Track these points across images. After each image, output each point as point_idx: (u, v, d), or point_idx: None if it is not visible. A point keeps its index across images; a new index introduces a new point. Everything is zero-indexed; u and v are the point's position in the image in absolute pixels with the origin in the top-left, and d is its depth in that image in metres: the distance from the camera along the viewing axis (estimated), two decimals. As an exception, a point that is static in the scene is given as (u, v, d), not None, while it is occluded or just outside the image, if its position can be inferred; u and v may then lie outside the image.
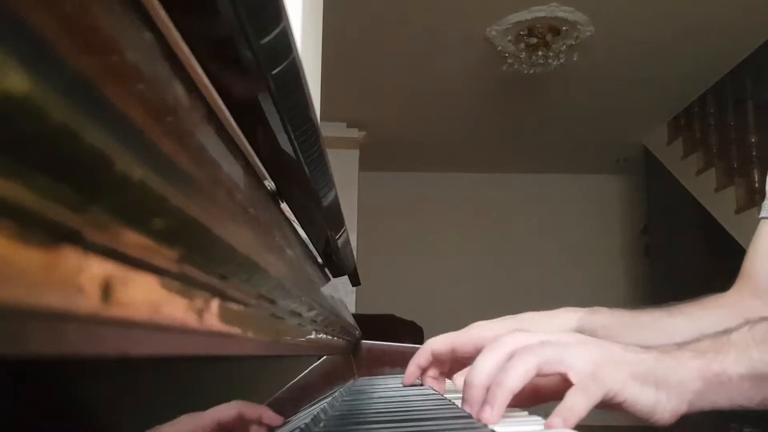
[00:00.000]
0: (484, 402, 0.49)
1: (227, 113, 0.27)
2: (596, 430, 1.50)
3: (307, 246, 0.52)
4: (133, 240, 0.16)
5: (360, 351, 1.09)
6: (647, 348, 0.54)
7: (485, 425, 0.46)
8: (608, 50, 3.58)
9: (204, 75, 0.24)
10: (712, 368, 0.52)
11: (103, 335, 0.15)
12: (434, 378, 0.71)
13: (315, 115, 0.35)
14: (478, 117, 4.53)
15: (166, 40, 0.19)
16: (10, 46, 0.10)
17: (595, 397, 0.48)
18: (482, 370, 0.51)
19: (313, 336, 0.57)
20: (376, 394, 0.75)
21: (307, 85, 0.31)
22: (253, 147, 0.32)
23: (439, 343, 0.69)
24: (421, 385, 0.73)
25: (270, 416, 0.39)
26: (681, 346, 0.54)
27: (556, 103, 4.30)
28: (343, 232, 0.62)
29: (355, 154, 4.61)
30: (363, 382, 0.99)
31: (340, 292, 0.92)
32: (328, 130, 4.15)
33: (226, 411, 0.29)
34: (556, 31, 3.38)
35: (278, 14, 0.24)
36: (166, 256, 0.18)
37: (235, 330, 0.28)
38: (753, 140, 3.58)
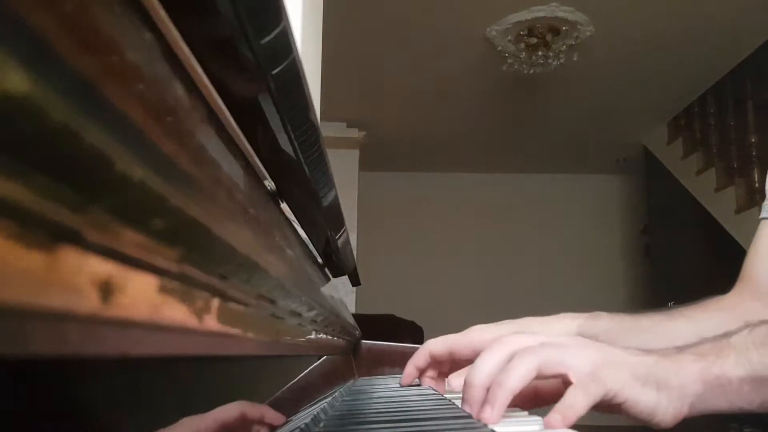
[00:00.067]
0: (485, 402, 0.49)
1: (227, 113, 0.27)
2: (596, 430, 1.50)
3: (307, 246, 0.52)
4: (133, 240, 0.16)
5: (360, 351, 1.09)
6: (648, 351, 0.54)
7: (485, 425, 0.46)
8: (608, 50, 3.58)
9: (204, 75, 0.24)
10: (712, 371, 0.52)
11: (103, 335, 0.15)
12: (432, 378, 0.71)
13: (315, 115, 0.35)
14: (478, 117, 4.53)
15: (166, 40, 0.19)
16: (10, 46, 0.10)
17: (594, 396, 0.48)
18: (483, 370, 0.51)
19: (313, 336, 0.57)
20: (376, 394, 0.75)
21: (307, 85, 0.31)
22: (253, 147, 0.32)
23: (437, 346, 0.69)
24: (420, 385, 0.73)
25: (272, 416, 0.39)
26: (681, 349, 0.54)
27: (556, 103, 4.30)
28: (343, 232, 0.62)
29: (355, 154, 4.62)
30: (363, 382, 0.99)
31: (340, 292, 0.92)
32: (328, 130, 4.15)
33: (229, 411, 0.29)
34: (556, 31, 3.38)
35: (278, 14, 0.24)
36: (166, 256, 0.18)
37: (235, 330, 0.28)
38: (753, 140, 3.58)
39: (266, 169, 0.36)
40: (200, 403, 0.27)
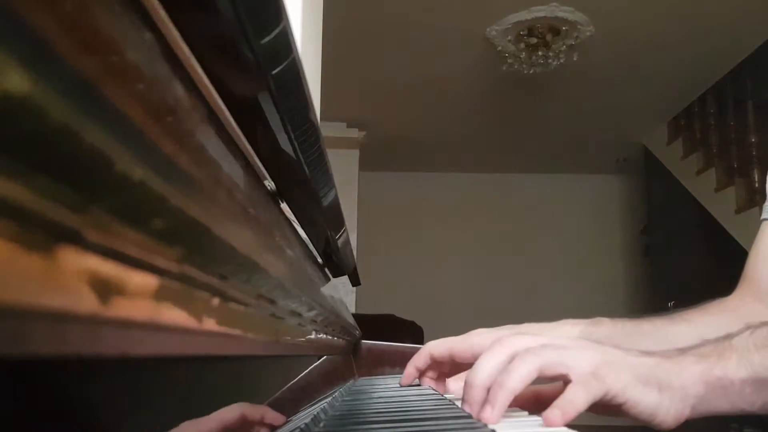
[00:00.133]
0: (485, 402, 0.49)
1: (227, 113, 0.27)
2: (596, 430, 1.50)
3: (307, 246, 0.52)
4: (133, 240, 0.16)
5: (360, 351, 1.09)
6: (649, 352, 0.53)
7: (485, 425, 0.46)
8: (608, 50, 3.58)
9: (204, 75, 0.24)
10: (714, 373, 0.52)
11: (103, 335, 0.15)
12: (432, 379, 0.72)
13: (315, 115, 0.35)
14: (478, 117, 4.53)
15: (166, 40, 0.19)
16: (10, 46, 0.10)
17: (595, 393, 0.48)
18: (483, 370, 0.51)
19: (313, 336, 0.57)
20: (376, 394, 0.75)
21: (307, 85, 0.31)
22: (253, 147, 0.32)
23: (438, 348, 0.69)
24: (420, 385, 0.73)
25: (272, 416, 0.39)
26: (683, 350, 0.54)
27: (556, 103, 4.30)
28: (343, 232, 0.62)
29: (355, 154, 4.61)
30: (363, 382, 0.99)
31: (340, 292, 0.92)
32: (328, 130, 4.15)
33: (229, 413, 0.29)
34: (556, 31, 3.38)
35: (278, 14, 0.24)
36: (166, 256, 0.18)
37: (235, 330, 0.28)
38: (753, 140, 3.58)
39: (266, 169, 0.36)
40: (200, 403, 0.27)
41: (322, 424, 0.49)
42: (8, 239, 0.11)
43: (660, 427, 0.51)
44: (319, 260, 0.62)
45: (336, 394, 0.74)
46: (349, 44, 3.45)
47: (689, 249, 4.31)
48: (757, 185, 3.50)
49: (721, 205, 3.86)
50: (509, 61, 3.56)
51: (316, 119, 0.36)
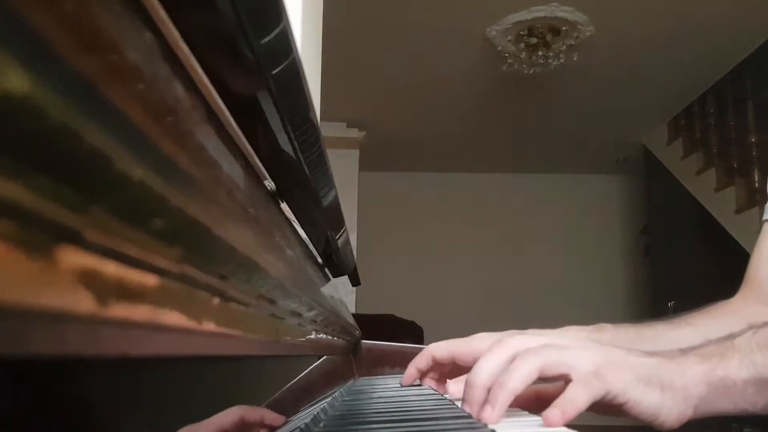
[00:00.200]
0: (485, 402, 0.49)
1: (227, 113, 0.27)
2: (596, 430, 1.50)
3: (307, 246, 0.52)
4: (133, 240, 0.16)
5: (360, 351, 1.09)
6: (651, 353, 0.53)
7: (485, 425, 0.46)
8: (608, 50, 3.58)
9: (204, 75, 0.24)
10: (716, 373, 0.51)
11: (103, 335, 0.15)
12: (433, 380, 0.72)
13: (315, 115, 0.35)
14: (478, 117, 4.53)
15: (166, 39, 0.19)
16: (10, 46, 0.10)
17: (595, 392, 0.48)
18: (484, 370, 0.51)
19: (313, 336, 0.57)
20: (376, 394, 0.75)
21: (307, 85, 0.31)
22: (253, 147, 0.32)
23: (440, 350, 0.69)
24: (420, 384, 0.73)
25: (272, 417, 0.39)
26: (685, 351, 0.54)
27: (556, 103, 4.30)
28: (343, 232, 0.62)
29: (355, 154, 4.61)
30: (363, 382, 0.99)
31: (340, 292, 0.92)
32: (328, 130, 4.15)
33: (229, 416, 0.29)
34: (556, 31, 3.38)
35: (278, 14, 0.24)
36: (166, 256, 0.18)
37: (235, 330, 0.28)
38: (753, 140, 3.58)
39: (266, 169, 0.36)
40: (201, 403, 0.27)
41: (322, 424, 0.49)
42: (8, 239, 0.11)
43: (662, 427, 0.50)
44: (319, 260, 0.62)
45: (336, 394, 0.74)
46: (349, 44, 3.45)
47: (689, 249, 4.31)
48: (757, 185, 3.50)
49: (721, 205, 3.86)
50: (509, 61, 3.56)
51: (316, 119, 0.36)
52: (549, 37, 3.39)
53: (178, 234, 0.19)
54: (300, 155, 0.35)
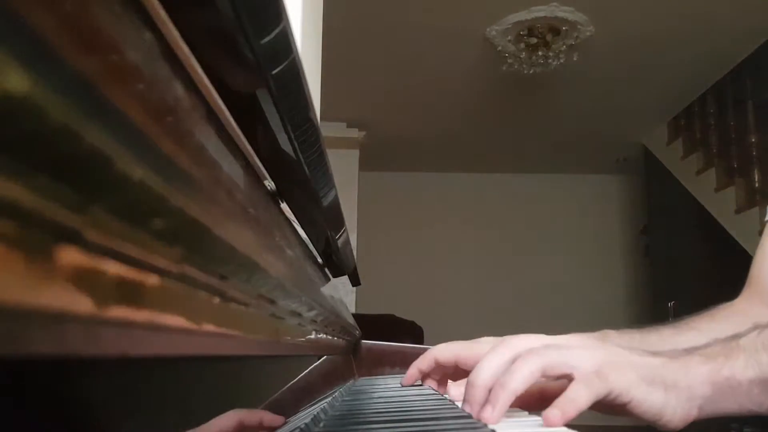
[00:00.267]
0: (486, 402, 0.49)
1: (227, 113, 0.27)
2: (596, 430, 1.50)
3: (307, 246, 0.52)
4: (133, 240, 0.16)
5: (360, 351, 1.09)
6: (655, 353, 0.53)
7: (485, 425, 0.46)
8: (608, 50, 3.58)
9: (204, 75, 0.24)
10: (721, 373, 0.51)
11: (103, 335, 0.15)
12: (434, 380, 0.71)
13: (315, 115, 0.35)
14: (478, 117, 4.53)
15: (166, 39, 0.19)
16: (10, 46, 0.10)
17: (597, 392, 0.47)
18: (486, 370, 0.51)
19: (313, 336, 0.57)
20: (376, 394, 0.75)
21: (307, 85, 0.31)
22: (253, 147, 0.32)
23: (443, 353, 0.68)
24: (421, 384, 0.73)
25: (270, 419, 0.38)
26: (690, 351, 0.54)
27: (556, 103, 4.30)
28: (343, 232, 0.62)
29: (355, 154, 4.61)
30: (363, 382, 0.99)
31: (340, 292, 0.92)
32: (328, 130, 4.15)
33: (226, 420, 0.29)
34: (556, 31, 3.38)
35: (278, 14, 0.24)
36: (166, 257, 0.18)
37: (235, 330, 0.28)
38: (753, 140, 3.58)
39: (266, 169, 0.36)
40: (201, 403, 0.27)
41: (322, 424, 0.49)
42: (8, 239, 0.11)
43: (666, 427, 0.50)
44: (319, 260, 0.62)
45: (336, 394, 0.74)
46: (349, 44, 3.45)
47: (689, 249, 4.31)
48: (757, 185, 3.50)
49: (721, 205, 3.86)
50: (509, 61, 3.56)
51: (316, 119, 0.36)
52: (549, 37, 3.39)
53: (178, 234, 0.19)
54: (300, 155, 0.35)
